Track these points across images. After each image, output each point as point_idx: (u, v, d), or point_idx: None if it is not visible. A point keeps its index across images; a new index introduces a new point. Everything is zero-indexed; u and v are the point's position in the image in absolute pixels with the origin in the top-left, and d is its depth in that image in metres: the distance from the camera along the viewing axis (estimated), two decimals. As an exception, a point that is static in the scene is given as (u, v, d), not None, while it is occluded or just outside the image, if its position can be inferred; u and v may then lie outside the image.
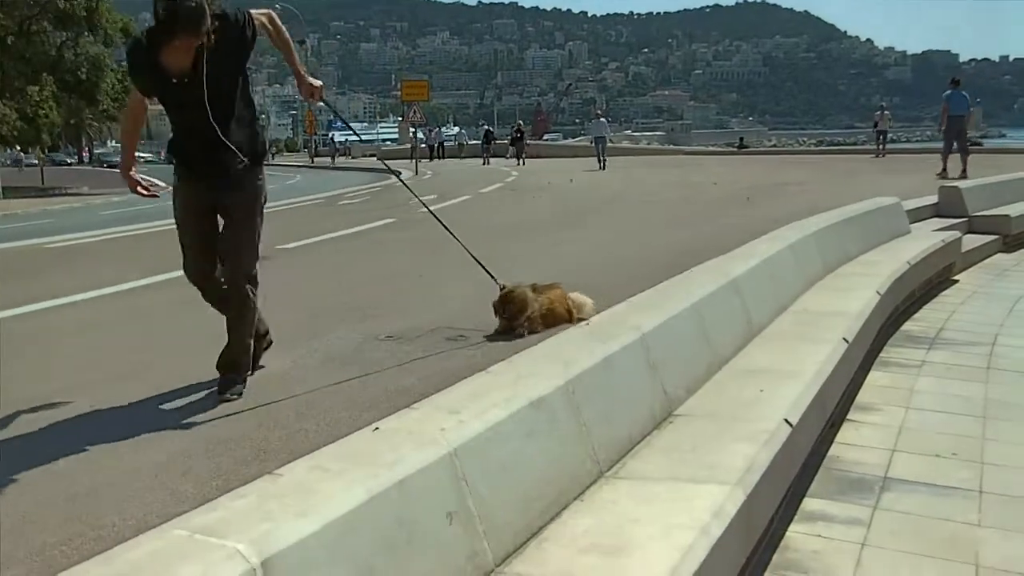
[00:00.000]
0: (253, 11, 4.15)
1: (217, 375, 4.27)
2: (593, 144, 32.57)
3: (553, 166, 33.58)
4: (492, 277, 5.16)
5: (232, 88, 4.12)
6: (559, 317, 5.10)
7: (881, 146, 30.92)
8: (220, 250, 4.25)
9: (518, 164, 36.13)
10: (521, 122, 51.68)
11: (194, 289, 4.35)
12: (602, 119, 33.76)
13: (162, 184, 4.38)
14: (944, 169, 18.98)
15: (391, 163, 40.79)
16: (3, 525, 2.74)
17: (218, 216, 4.27)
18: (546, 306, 5.09)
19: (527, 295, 5.06)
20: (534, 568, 2.78)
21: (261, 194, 4.32)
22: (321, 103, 4.87)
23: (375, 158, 54.98)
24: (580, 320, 5.05)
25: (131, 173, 4.33)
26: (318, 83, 4.56)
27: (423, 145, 47.54)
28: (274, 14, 4.35)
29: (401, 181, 5.17)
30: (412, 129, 40.47)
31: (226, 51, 3.97)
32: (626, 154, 41.75)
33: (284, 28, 4.43)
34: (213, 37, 3.86)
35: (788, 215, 9.70)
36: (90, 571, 2.13)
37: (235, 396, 4.11)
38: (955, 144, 19.47)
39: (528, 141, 48.34)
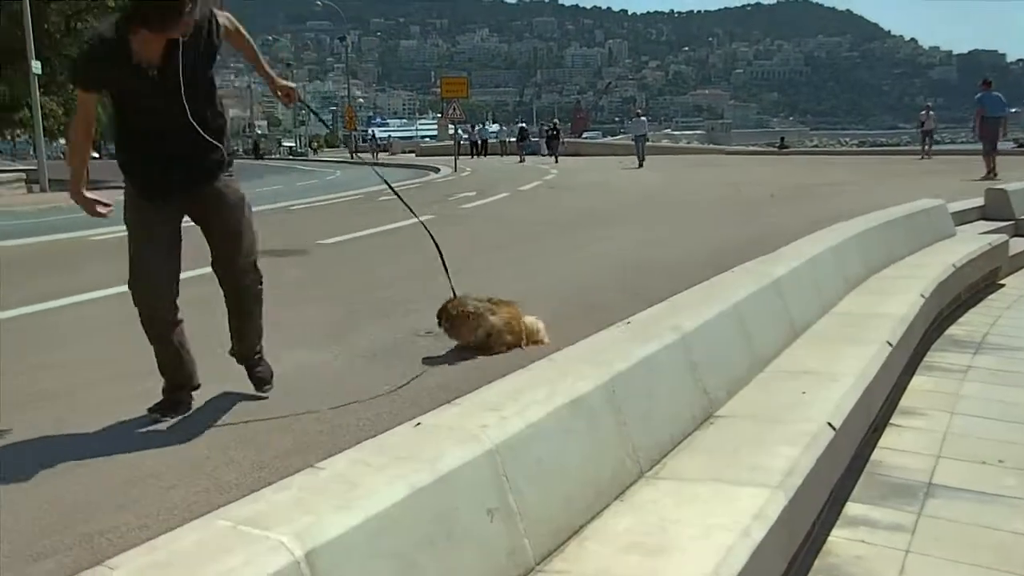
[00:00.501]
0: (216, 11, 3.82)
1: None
2: (634, 142, 32.75)
3: (592, 164, 33.55)
4: (452, 288, 4.89)
5: (207, 84, 3.76)
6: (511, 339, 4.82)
7: (927, 147, 30.36)
8: (219, 256, 3.96)
9: (555, 161, 36.32)
10: (556, 120, 51.74)
11: (213, 284, 4.28)
12: (642, 118, 33.74)
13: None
14: (990, 170, 18.80)
15: (432, 159, 41.01)
16: (52, 513, 2.78)
17: (179, 230, 3.88)
18: (504, 321, 4.81)
19: (482, 310, 4.79)
20: (574, 566, 2.77)
21: (246, 196, 4.01)
22: (300, 103, 4.53)
23: (414, 155, 55.31)
24: (535, 343, 4.84)
25: (85, 193, 3.78)
26: (292, 85, 4.30)
27: (465, 141, 47.75)
28: (233, 17, 3.97)
29: (392, 190, 4.79)
30: (451, 126, 40.54)
31: (197, 45, 3.64)
32: (665, 153, 41.60)
33: (244, 30, 4.06)
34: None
35: (830, 216, 9.59)
36: (136, 559, 2.15)
37: (271, 386, 4.15)
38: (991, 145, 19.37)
39: (566, 139, 48.45)
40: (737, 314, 4.88)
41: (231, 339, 4.16)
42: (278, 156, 77.16)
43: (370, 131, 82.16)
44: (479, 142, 49.95)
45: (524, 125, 52.04)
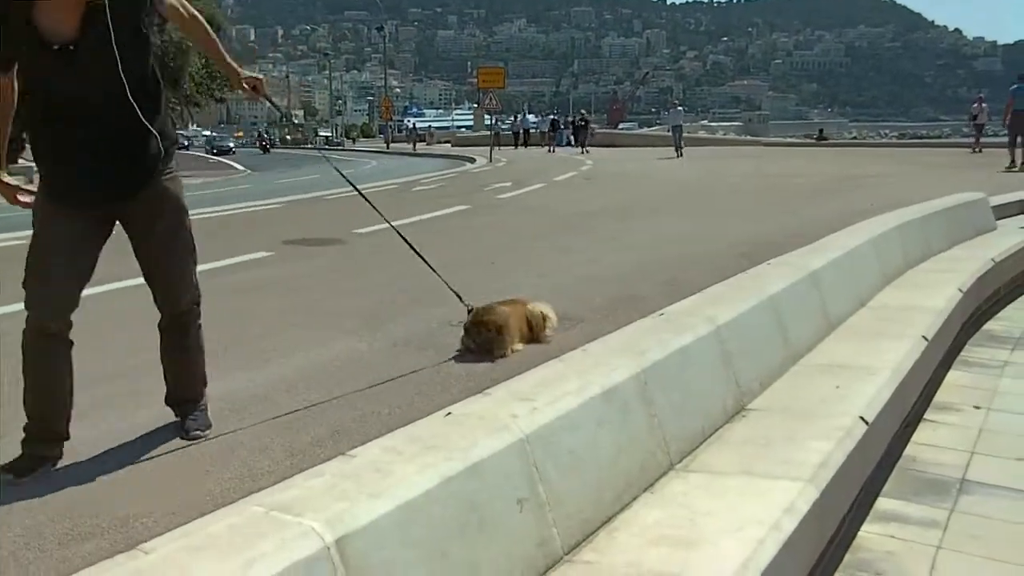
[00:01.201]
0: None
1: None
2: (671, 133, 32.96)
3: (627, 155, 33.40)
4: (459, 299, 4.65)
5: (138, 60, 3.08)
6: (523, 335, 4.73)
7: (978, 139, 29.35)
8: (154, 278, 3.39)
9: (581, 152, 36.46)
10: (584, 111, 51.74)
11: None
12: (679, 108, 34.50)
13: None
14: (1013, 162, 19.18)
15: (468, 150, 41.04)
16: (86, 499, 2.83)
17: (103, 237, 3.26)
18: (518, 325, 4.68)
19: (507, 318, 4.56)
20: (603, 557, 2.78)
21: (183, 195, 3.41)
22: (264, 98, 3.83)
23: (449, 144, 55.42)
24: (545, 335, 4.79)
25: (6, 179, 3.21)
26: (259, 76, 3.71)
27: (507, 131, 47.83)
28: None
29: (360, 193, 4.49)
30: (488, 116, 40.55)
31: (122, 11, 2.97)
32: (702, 144, 41.36)
33: (200, 16, 3.47)
34: None
35: (868, 209, 9.51)
36: (170, 543, 2.19)
37: (207, 429, 3.50)
38: (1019, 138, 19.53)
39: (602, 130, 48.36)
40: (772, 306, 4.85)
41: (165, 380, 3.55)
42: (313, 146, 77.65)
43: (411, 122, 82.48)
44: (521, 132, 49.46)
45: (555, 116, 52.04)
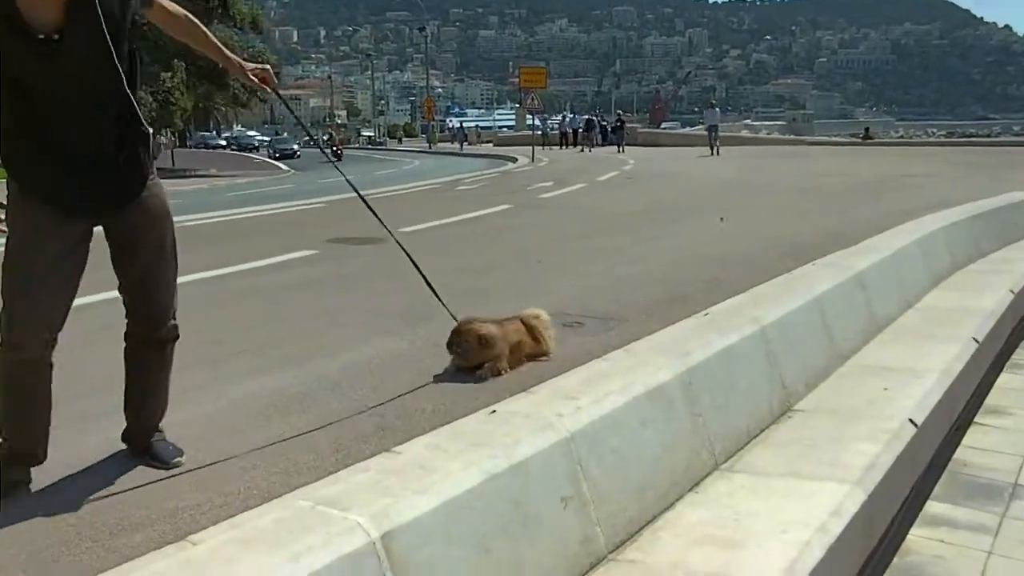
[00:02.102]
0: None
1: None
2: (707, 132, 33.94)
3: (669, 155, 33.24)
4: (449, 312, 4.28)
5: (125, 55, 2.79)
6: (525, 348, 4.31)
7: None
8: (136, 294, 3.04)
9: (619, 151, 37.04)
10: (620, 111, 52.22)
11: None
12: (715, 109, 36.15)
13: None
14: None
15: (509, 149, 41.09)
16: (136, 491, 2.87)
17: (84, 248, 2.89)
18: (512, 340, 4.22)
19: (493, 332, 4.12)
20: (647, 557, 2.77)
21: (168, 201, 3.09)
22: (272, 92, 3.71)
23: (491, 144, 55.57)
24: (548, 340, 4.39)
25: None
26: (266, 66, 3.46)
27: (555, 131, 47.87)
28: None
29: (365, 203, 4.18)
30: (529, 116, 40.60)
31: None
32: (745, 144, 41.12)
33: (190, 15, 3.21)
34: None
35: (915, 209, 9.38)
36: (218, 535, 2.21)
37: (182, 458, 3.16)
38: None
39: (645, 129, 48.34)
40: (818, 307, 4.81)
41: (124, 409, 3.20)
42: (357, 146, 78.16)
43: (457, 122, 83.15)
44: (569, 132, 48.73)
45: (590, 116, 52.32)
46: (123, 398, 3.18)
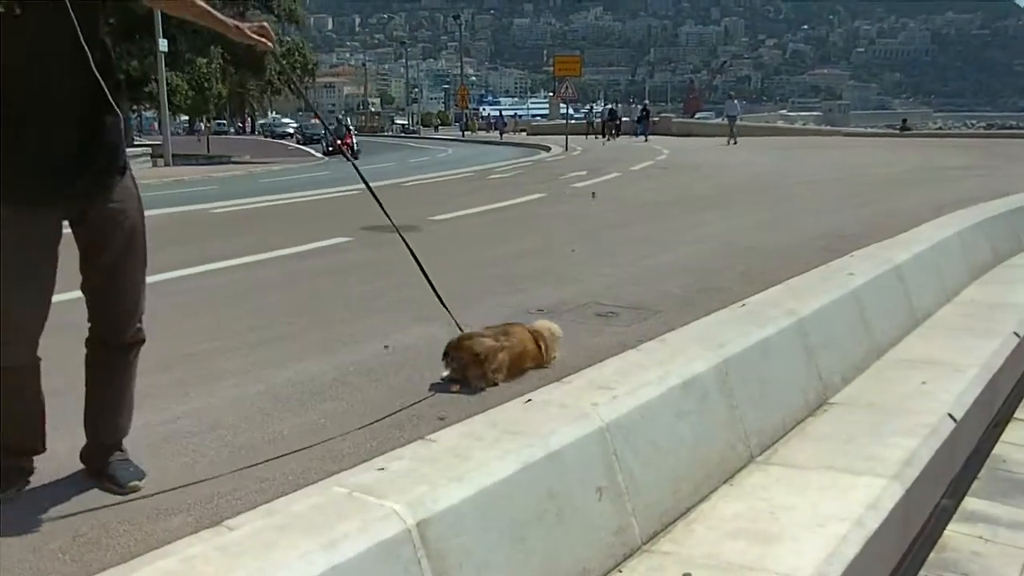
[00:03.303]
0: None
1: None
2: (727, 122, 36.26)
3: (703, 144, 33.04)
4: (455, 321, 4.07)
5: (96, 26, 2.60)
6: (527, 358, 4.02)
7: None
8: (102, 292, 2.78)
9: (644, 140, 37.98)
10: (647, 101, 52.69)
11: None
12: (734, 101, 38.48)
13: None
14: None
15: (543, 139, 41.04)
16: (173, 476, 2.89)
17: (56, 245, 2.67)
18: (516, 351, 3.94)
19: (488, 346, 3.84)
20: (682, 548, 2.76)
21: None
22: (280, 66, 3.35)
23: (524, 133, 55.49)
24: (553, 351, 4.11)
25: None
26: (263, 23, 3.24)
27: (597, 120, 47.79)
28: None
29: (370, 190, 3.96)
30: (563, 105, 40.60)
31: None
32: (781, 134, 40.92)
33: None
34: None
35: (955, 201, 9.26)
36: (254, 521, 2.23)
37: (140, 482, 2.84)
38: None
39: (679, 119, 48.24)
40: (855, 300, 4.76)
41: (84, 423, 2.92)
42: (390, 133, 78.40)
43: (496, 110, 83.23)
44: (605, 122, 47.21)
45: (612, 107, 52.56)
46: (83, 413, 2.90)
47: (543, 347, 4.03)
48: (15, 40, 2.41)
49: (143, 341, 2.90)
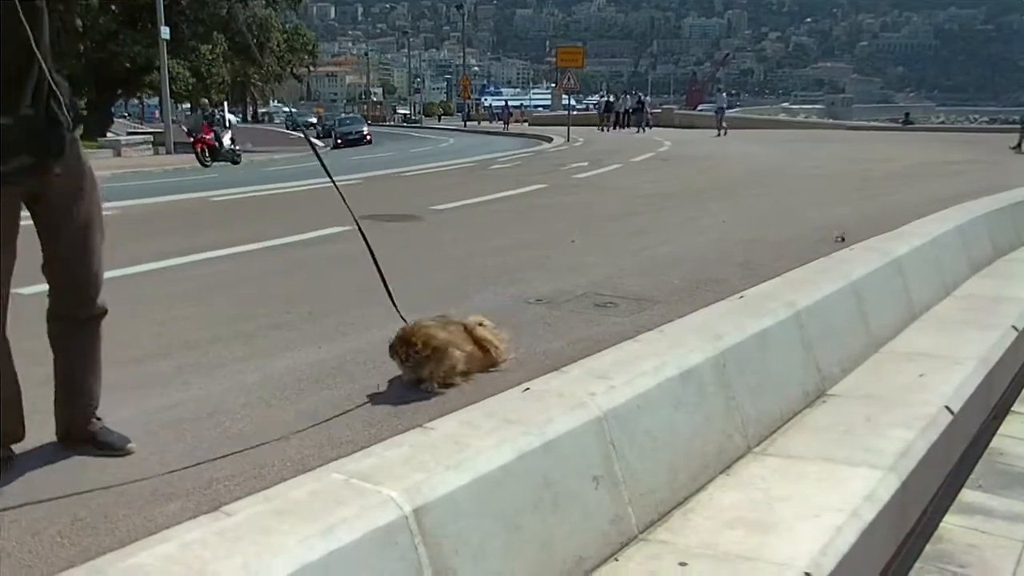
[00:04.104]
0: None
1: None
2: (715, 114, 37.79)
3: (704, 136, 33.01)
4: (399, 312, 3.84)
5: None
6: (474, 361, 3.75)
7: None
8: (68, 270, 2.82)
9: (636, 132, 38.77)
10: (641, 94, 52.95)
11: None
12: (723, 95, 41.64)
13: None
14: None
15: (545, 129, 40.99)
16: (171, 461, 2.90)
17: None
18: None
19: (448, 343, 3.62)
20: (678, 538, 2.77)
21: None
22: None
23: (526, 124, 55.47)
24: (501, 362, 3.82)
25: None
26: None
27: (608, 112, 47.75)
28: None
29: (334, 183, 3.84)
30: (565, 96, 40.59)
31: None
32: (784, 127, 41.00)
33: None
34: None
35: (956, 195, 9.25)
36: (252, 506, 2.24)
37: (130, 445, 2.99)
38: None
39: (681, 111, 48.42)
40: (854, 292, 4.76)
41: (59, 400, 2.98)
42: (392, 123, 78.36)
43: (501, 100, 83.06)
44: (621, 112, 45.60)
45: (610, 99, 52.59)
46: (57, 388, 2.95)
47: (489, 348, 3.78)
48: None
49: (106, 312, 2.95)
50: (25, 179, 2.61)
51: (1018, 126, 22.71)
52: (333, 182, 3.99)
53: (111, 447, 2.95)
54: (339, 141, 42.93)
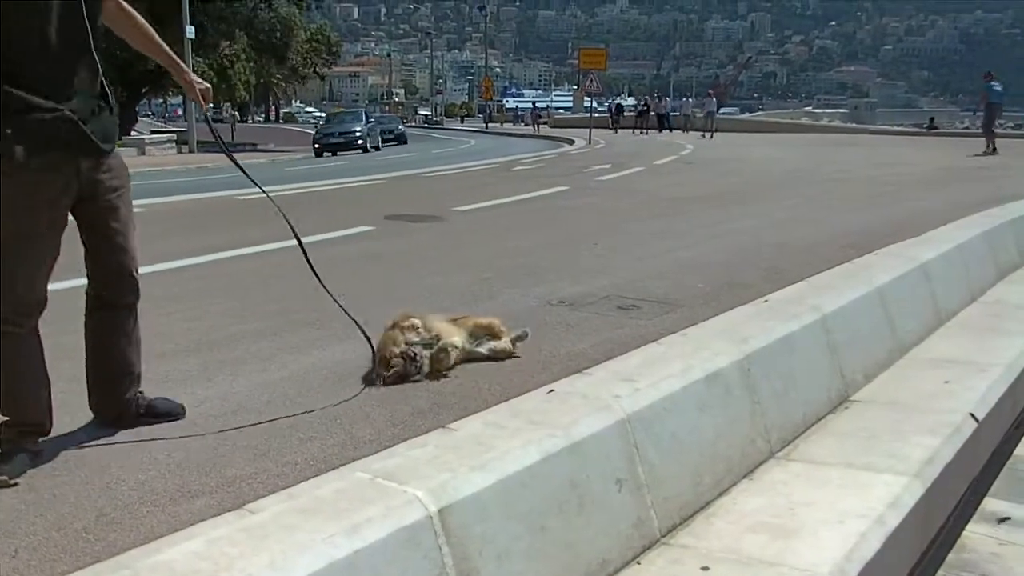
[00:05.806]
0: None
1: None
2: (705, 118, 39.75)
3: (724, 140, 32.91)
4: (360, 328, 3.79)
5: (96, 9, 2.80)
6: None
7: None
8: (116, 255, 2.97)
9: (642, 134, 39.65)
10: (648, 96, 53.76)
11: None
12: (712, 99, 42.98)
13: None
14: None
15: (568, 131, 41.06)
16: (195, 458, 2.92)
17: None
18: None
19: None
20: (700, 542, 2.76)
21: None
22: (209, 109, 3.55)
23: (547, 126, 55.58)
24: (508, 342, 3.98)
25: None
26: (207, 86, 3.45)
27: (619, 114, 48.14)
28: None
29: (264, 192, 3.69)
30: (587, 98, 40.59)
31: None
32: (807, 131, 40.80)
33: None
34: None
35: (983, 201, 9.18)
36: (277, 504, 2.25)
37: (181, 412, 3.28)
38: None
39: (701, 114, 48.54)
40: (880, 297, 4.74)
41: (92, 385, 3.13)
42: (414, 124, 78.64)
43: (527, 101, 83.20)
44: (660, 115, 44.42)
45: (620, 101, 53.69)
46: (105, 374, 3.11)
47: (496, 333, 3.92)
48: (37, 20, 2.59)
49: (138, 295, 3.12)
50: (79, 167, 2.76)
51: None
52: (264, 192, 4.10)
53: (170, 414, 3.21)
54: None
